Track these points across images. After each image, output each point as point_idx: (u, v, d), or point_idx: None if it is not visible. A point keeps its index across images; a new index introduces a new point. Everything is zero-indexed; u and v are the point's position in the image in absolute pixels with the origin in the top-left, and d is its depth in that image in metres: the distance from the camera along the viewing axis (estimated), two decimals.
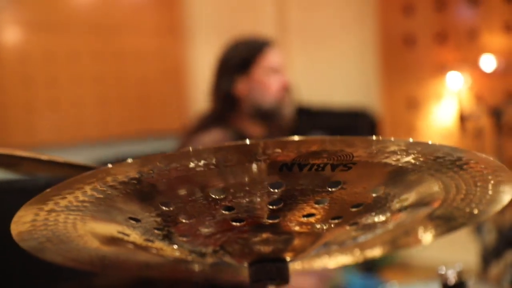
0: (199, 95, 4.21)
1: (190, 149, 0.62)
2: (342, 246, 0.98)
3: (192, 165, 0.64)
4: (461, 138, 3.35)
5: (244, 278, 0.88)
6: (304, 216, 0.75)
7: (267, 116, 2.20)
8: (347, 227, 0.82)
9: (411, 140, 0.63)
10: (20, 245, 0.80)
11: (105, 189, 0.68)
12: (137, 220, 0.76)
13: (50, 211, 0.73)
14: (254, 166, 0.65)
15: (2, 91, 3.68)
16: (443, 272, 1.11)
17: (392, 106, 3.95)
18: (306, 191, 0.71)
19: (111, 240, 0.83)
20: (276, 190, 0.70)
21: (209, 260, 0.89)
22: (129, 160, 0.63)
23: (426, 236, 0.99)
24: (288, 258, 0.83)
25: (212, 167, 0.65)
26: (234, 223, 0.75)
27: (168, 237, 0.79)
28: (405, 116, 3.87)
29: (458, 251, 3.04)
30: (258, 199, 0.71)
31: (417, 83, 3.82)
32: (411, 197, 0.79)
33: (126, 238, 0.81)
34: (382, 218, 0.82)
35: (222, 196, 0.70)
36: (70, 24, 3.95)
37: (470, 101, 3.39)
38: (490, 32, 3.56)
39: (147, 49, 4.33)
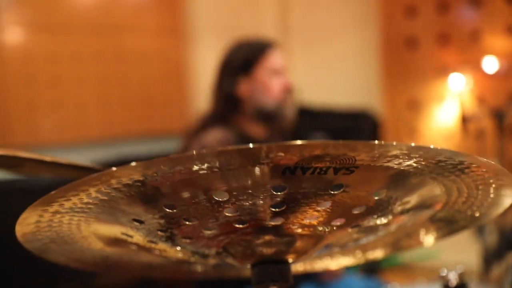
0: (201, 96, 4.21)
1: (194, 152, 0.62)
2: (344, 248, 0.98)
3: (195, 168, 0.65)
4: (463, 140, 3.35)
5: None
6: (306, 218, 0.76)
7: (269, 117, 2.21)
8: (349, 230, 0.82)
9: (413, 144, 0.64)
10: (25, 246, 0.81)
11: (109, 191, 0.69)
12: (140, 222, 0.76)
13: (55, 212, 0.74)
14: (257, 170, 0.66)
15: (4, 91, 3.69)
16: (444, 274, 1.11)
17: (393, 107, 3.96)
18: (309, 194, 0.71)
19: (115, 241, 0.84)
20: (279, 193, 0.70)
21: (212, 261, 0.89)
22: (133, 164, 0.63)
23: (428, 239, 1.00)
24: (290, 260, 0.84)
25: (216, 170, 0.66)
26: (237, 225, 0.76)
27: (171, 239, 0.80)
28: (407, 117, 3.87)
29: (460, 252, 3.04)
30: (261, 202, 0.71)
31: (419, 84, 3.83)
32: (413, 200, 0.79)
33: (129, 239, 0.82)
34: (384, 220, 0.82)
35: (225, 199, 0.70)
36: (72, 25, 3.96)
37: (472, 102, 3.39)
38: (492, 34, 3.57)
39: (149, 49, 4.34)
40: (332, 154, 0.65)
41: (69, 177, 1.08)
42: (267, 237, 0.78)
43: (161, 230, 0.78)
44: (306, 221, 0.76)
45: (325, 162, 0.66)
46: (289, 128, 2.32)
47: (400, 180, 0.73)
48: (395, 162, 0.68)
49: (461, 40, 3.68)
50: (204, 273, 1.01)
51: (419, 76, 3.83)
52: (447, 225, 0.94)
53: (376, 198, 0.75)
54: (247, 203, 0.71)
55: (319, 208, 0.74)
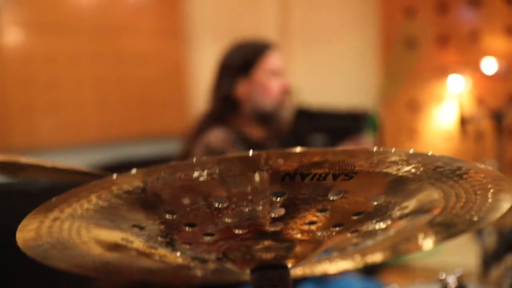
0: (200, 97, 4.21)
1: (194, 159, 0.63)
2: (343, 252, 0.99)
3: (196, 175, 0.65)
4: (462, 141, 3.35)
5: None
6: (305, 224, 0.76)
7: (267, 119, 2.22)
8: (348, 235, 0.83)
9: (411, 151, 0.64)
10: (26, 253, 0.81)
11: (110, 198, 0.70)
12: (141, 228, 0.77)
13: (55, 219, 0.74)
14: (257, 176, 0.66)
15: (3, 92, 3.69)
16: (443, 278, 1.12)
17: (393, 108, 3.96)
18: (308, 200, 0.72)
19: (115, 247, 0.85)
20: (278, 199, 0.71)
21: (211, 266, 0.90)
22: (134, 171, 0.64)
23: (427, 243, 1.00)
24: (289, 265, 0.84)
25: (216, 177, 0.66)
26: (236, 231, 0.76)
27: (171, 244, 0.81)
28: (406, 118, 3.88)
29: (459, 254, 3.05)
30: (261, 208, 0.72)
31: (419, 85, 3.83)
32: (411, 205, 0.80)
33: (129, 245, 0.82)
34: (383, 225, 0.83)
35: (225, 205, 0.71)
36: (71, 26, 3.96)
37: (471, 104, 3.40)
38: (492, 34, 3.57)
39: (148, 51, 4.34)
40: (331, 161, 0.65)
41: (69, 181, 1.09)
42: (266, 243, 0.79)
43: (161, 236, 0.78)
44: (306, 227, 0.77)
45: (324, 169, 0.67)
46: (287, 129, 2.33)
47: (399, 186, 0.74)
48: (394, 168, 0.69)
49: (461, 41, 3.68)
50: (203, 277, 1.02)
51: (419, 77, 3.84)
52: (446, 229, 0.94)
53: (375, 203, 0.76)
54: (247, 209, 0.72)
55: (318, 214, 0.75)
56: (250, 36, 2.45)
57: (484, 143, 2.72)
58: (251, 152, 0.62)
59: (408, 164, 0.68)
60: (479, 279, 2.17)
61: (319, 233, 0.79)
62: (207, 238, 0.78)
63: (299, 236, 0.78)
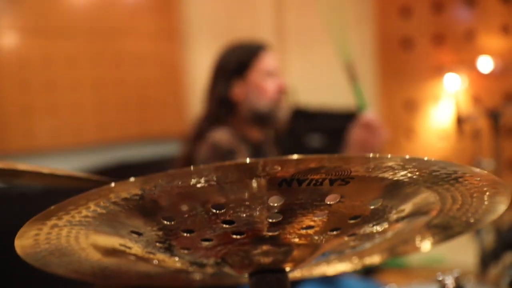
0: (198, 98, 4.21)
1: (192, 168, 0.63)
2: (341, 255, 0.99)
3: (193, 182, 0.66)
4: (459, 140, 3.36)
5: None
6: (303, 228, 0.76)
7: (264, 119, 2.22)
8: (346, 238, 0.83)
9: (407, 156, 0.65)
10: (24, 259, 0.81)
11: (108, 205, 0.70)
12: (139, 234, 0.77)
13: (53, 226, 0.75)
14: (254, 183, 0.67)
15: (0, 95, 3.69)
16: (441, 278, 1.12)
17: (390, 108, 3.97)
18: (305, 205, 0.72)
19: (113, 252, 0.85)
20: (275, 205, 0.71)
21: (210, 270, 0.90)
22: (132, 179, 0.64)
23: (424, 244, 1.01)
24: (287, 269, 0.85)
25: (213, 183, 0.66)
26: (234, 236, 0.76)
27: (169, 250, 0.81)
28: (403, 118, 3.88)
29: (457, 252, 3.06)
30: (258, 213, 0.72)
31: (415, 85, 3.84)
32: (408, 208, 0.80)
33: (128, 250, 0.83)
34: (380, 228, 0.83)
35: (222, 211, 0.71)
36: (68, 29, 3.95)
37: (468, 102, 3.40)
38: (487, 33, 3.58)
39: (145, 52, 4.34)
40: (328, 167, 0.66)
41: (67, 186, 1.09)
42: (264, 247, 0.79)
43: (159, 242, 0.79)
44: (303, 231, 0.77)
45: (320, 174, 0.67)
46: (284, 129, 2.33)
47: (395, 189, 0.74)
48: (390, 173, 0.69)
49: (456, 40, 3.69)
50: (202, 281, 1.02)
51: (415, 77, 3.84)
52: (443, 231, 0.95)
53: (371, 207, 0.76)
54: (244, 215, 0.72)
55: (315, 218, 0.75)
56: (244, 38, 2.45)
57: (481, 142, 2.73)
58: (248, 160, 0.62)
59: (404, 169, 0.69)
60: (478, 278, 2.18)
61: (316, 237, 0.79)
62: (205, 244, 0.78)
63: (296, 240, 0.79)
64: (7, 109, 3.68)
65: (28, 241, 0.77)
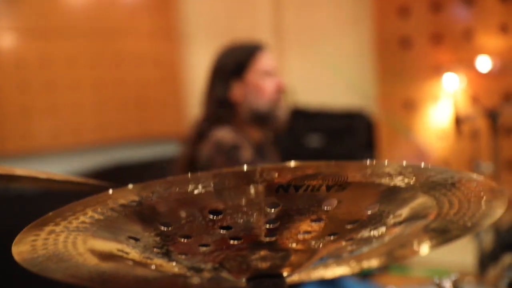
0: (197, 99, 4.21)
1: (189, 175, 0.63)
2: (339, 259, 0.99)
3: (191, 188, 0.66)
4: (457, 140, 3.36)
5: None
6: (300, 233, 0.76)
7: (263, 119, 2.23)
8: (343, 243, 0.83)
9: (404, 163, 0.65)
10: (22, 265, 0.81)
11: (105, 211, 0.70)
12: (136, 239, 0.77)
13: (50, 232, 0.75)
14: (251, 189, 0.67)
15: None
16: (438, 282, 1.12)
17: (388, 107, 3.96)
18: (302, 211, 0.72)
19: (111, 257, 0.85)
20: (272, 210, 0.71)
21: (207, 275, 0.90)
22: (130, 186, 0.64)
23: (422, 248, 1.01)
24: (285, 274, 0.85)
25: (211, 190, 0.67)
26: (232, 242, 0.76)
27: (167, 255, 0.81)
28: (402, 117, 3.88)
29: (456, 253, 3.05)
30: (255, 219, 0.72)
31: (413, 84, 3.84)
32: (405, 212, 0.80)
33: (125, 255, 0.83)
34: (377, 233, 0.83)
35: (219, 217, 0.71)
36: (66, 29, 3.95)
37: (466, 102, 3.40)
38: (486, 33, 3.58)
39: (144, 53, 4.33)
40: (325, 173, 0.66)
41: (65, 189, 1.09)
42: (262, 252, 0.79)
43: (157, 247, 0.78)
44: (300, 236, 0.77)
45: (317, 180, 0.67)
46: (283, 129, 2.33)
47: (392, 195, 0.74)
48: (387, 179, 0.69)
49: (455, 40, 3.69)
50: (200, 285, 1.02)
51: (414, 76, 3.84)
52: (441, 234, 0.95)
53: (369, 212, 0.76)
54: (242, 220, 0.72)
55: (312, 224, 0.75)
56: (241, 38, 2.46)
57: (479, 142, 2.73)
58: (245, 167, 0.62)
59: (401, 174, 0.69)
60: (477, 279, 2.18)
61: (314, 242, 0.79)
62: (203, 249, 0.78)
63: (294, 245, 0.79)
64: (6, 109, 3.68)
65: (25, 247, 0.77)
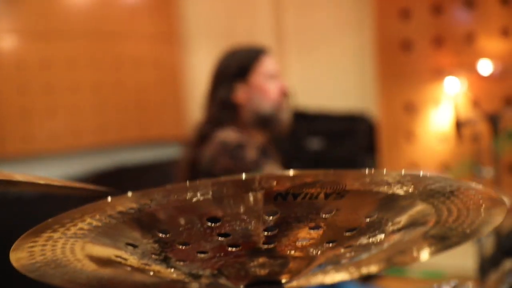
0: (196, 101, 4.21)
1: (187, 183, 0.63)
2: (338, 265, 0.99)
3: (189, 196, 0.66)
4: (458, 144, 3.36)
5: None
6: (298, 241, 0.76)
7: (267, 122, 2.23)
8: (342, 250, 0.83)
9: (403, 172, 0.65)
10: (20, 271, 0.81)
11: (104, 218, 0.70)
12: (134, 246, 0.77)
13: (48, 238, 0.74)
14: (250, 197, 0.67)
15: None
16: None
17: (389, 110, 3.96)
18: (301, 218, 0.72)
19: (109, 263, 0.85)
20: (271, 218, 0.71)
21: (205, 281, 0.90)
22: (129, 194, 0.64)
23: (422, 254, 1.00)
24: (284, 280, 0.84)
25: (209, 198, 0.67)
26: (230, 249, 0.76)
27: (165, 261, 0.81)
28: (403, 120, 3.88)
29: (456, 257, 3.05)
30: (254, 226, 0.72)
31: (415, 87, 3.83)
32: (403, 220, 0.80)
33: (123, 262, 0.83)
34: (376, 240, 0.83)
35: (218, 224, 0.71)
36: (66, 31, 3.95)
37: (467, 106, 3.40)
38: (487, 36, 3.57)
39: (144, 55, 4.33)
40: (323, 181, 0.66)
41: (64, 194, 1.09)
42: (260, 259, 0.79)
43: (155, 254, 0.78)
44: (299, 244, 0.77)
45: (316, 188, 0.67)
46: (286, 132, 2.34)
47: (391, 202, 0.74)
48: (386, 187, 0.69)
49: (456, 43, 3.68)
50: None
51: (415, 79, 3.84)
52: (440, 241, 0.94)
53: (367, 220, 0.76)
54: (240, 228, 0.72)
55: (311, 231, 0.75)
56: (243, 42, 2.46)
57: (480, 145, 2.72)
58: (244, 176, 0.62)
59: (399, 183, 0.69)
60: (477, 284, 2.18)
61: (312, 250, 0.79)
62: (201, 256, 0.78)
63: (292, 252, 0.79)
64: (6, 111, 3.68)
65: (23, 253, 0.77)
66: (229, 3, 4.73)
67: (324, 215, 0.72)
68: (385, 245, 0.87)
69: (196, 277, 0.87)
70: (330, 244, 0.79)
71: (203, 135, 2.20)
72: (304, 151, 4.11)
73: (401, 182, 0.68)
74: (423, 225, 0.85)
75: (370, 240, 0.82)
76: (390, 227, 0.80)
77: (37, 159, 3.74)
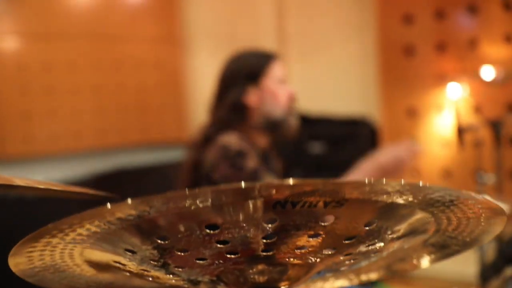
0: (198, 104, 4.21)
1: (187, 190, 0.63)
2: (337, 273, 0.99)
3: (188, 204, 0.66)
4: (460, 150, 3.36)
5: None
6: (297, 248, 0.76)
7: (275, 126, 2.25)
8: (341, 257, 0.83)
9: (402, 181, 0.65)
10: (18, 276, 0.82)
11: (103, 224, 0.70)
12: (133, 252, 0.77)
13: (47, 244, 0.75)
14: (249, 205, 0.67)
15: None
16: None
17: (391, 115, 3.96)
18: (300, 226, 0.72)
19: (108, 269, 0.85)
20: (270, 226, 0.71)
21: (204, 287, 0.90)
22: (129, 201, 0.64)
23: (422, 262, 1.00)
24: (283, 287, 0.84)
25: (209, 205, 0.67)
26: (228, 256, 0.76)
27: (164, 267, 0.81)
28: (405, 125, 3.88)
29: (458, 264, 3.04)
30: (252, 234, 0.72)
31: (417, 92, 3.84)
32: (403, 228, 0.80)
33: (122, 267, 0.83)
34: (375, 248, 0.83)
35: (216, 231, 0.71)
36: (67, 33, 3.95)
37: (469, 112, 3.40)
38: (490, 42, 3.58)
39: (145, 58, 4.34)
40: (322, 190, 0.66)
41: (64, 197, 1.09)
42: (259, 267, 0.79)
43: (153, 260, 0.78)
44: (298, 251, 0.77)
45: (315, 197, 0.67)
46: (293, 137, 2.35)
47: (390, 211, 0.74)
48: (385, 196, 0.69)
49: (459, 48, 3.69)
50: None
51: (417, 84, 3.84)
52: (440, 249, 0.94)
53: (366, 228, 0.76)
54: (239, 235, 0.72)
55: (310, 239, 0.75)
56: (247, 46, 2.47)
57: (482, 152, 2.72)
58: (243, 184, 0.62)
59: (398, 192, 0.69)
60: None
61: (311, 257, 0.79)
62: (200, 262, 0.78)
63: (291, 260, 0.79)
64: (6, 113, 3.68)
65: (22, 258, 0.77)
66: (231, 6, 4.74)
67: (323, 223, 0.72)
68: (385, 253, 0.87)
69: (195, 283, 0.87)
70: (329, 252, 0.79)
71: (207, 137, 2.20)
72: (306, 155, 4.11)
73: (400, 191, 0.68)
74: (423, 234, 0.85)
75: (370, 248, 0.82)
76: (389, 236, 0.80)
77: (38, 161, 3.74)
